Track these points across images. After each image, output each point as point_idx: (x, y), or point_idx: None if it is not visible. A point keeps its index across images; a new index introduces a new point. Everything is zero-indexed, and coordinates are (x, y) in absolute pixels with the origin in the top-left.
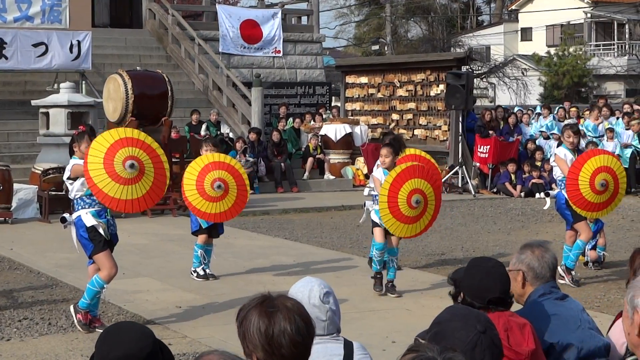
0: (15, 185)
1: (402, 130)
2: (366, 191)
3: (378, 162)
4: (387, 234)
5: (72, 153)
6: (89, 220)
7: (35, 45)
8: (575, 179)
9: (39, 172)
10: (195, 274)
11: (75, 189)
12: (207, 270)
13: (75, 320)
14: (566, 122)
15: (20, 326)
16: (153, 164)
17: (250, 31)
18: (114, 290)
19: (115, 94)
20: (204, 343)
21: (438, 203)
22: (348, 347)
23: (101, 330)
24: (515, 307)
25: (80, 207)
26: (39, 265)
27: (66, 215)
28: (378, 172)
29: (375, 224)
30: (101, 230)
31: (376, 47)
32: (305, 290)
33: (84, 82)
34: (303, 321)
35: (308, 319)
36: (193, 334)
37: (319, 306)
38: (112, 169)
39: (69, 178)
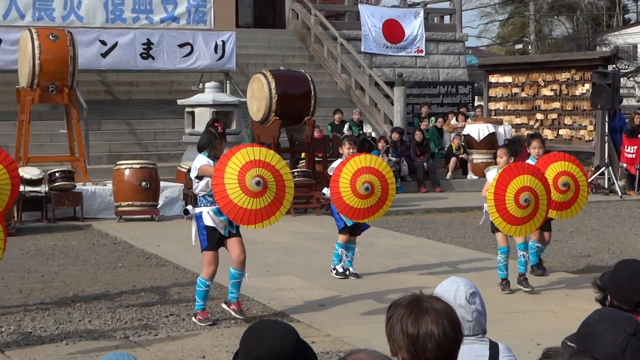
0: (162, 184)
1: (546, 131)
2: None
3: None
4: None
5: (201, 149)
6: (209, 220)
7: (181, 46)
8: None
9: (185, 170)
10: (334, 272)
11: (199, 187)
12: (351, 269)
13: (232, 312)
14: None
15: (167, 322)
16: (276, 186)
17: (393, 30)
18: (258, 287)
19: (259, 94)
20: (347, 342)
21: (549, 201)
22: (493, 348)
23: (203, 324)
24: None
25: (202, 204)
26: (185, 262)
27: (189, 207)
28: (490, 174)
29: (495, 227)
30: (220, 230)
31: (520, 46)
32: (452, 290)
33: (228, 81)
34: (451, 325)
35: (456, 324)
36: (336, 333)
37: (464, 306)
38: (243, 182)
39: (196, 177)
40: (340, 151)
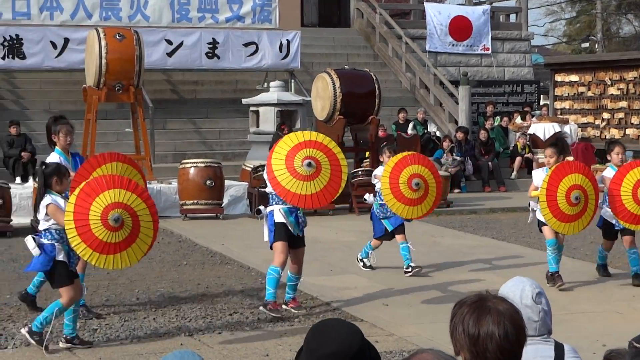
0: (227, 182)
1: (612, 130)
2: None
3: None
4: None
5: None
6: (279, 216)
7: (246, 45)
8: None
9: (249, 169)
10: (361, 263)
11: (269, 187)
12: (412, 265)
13: (292, 310)
14: None
15: (231, 320)
16: (330, 164)
17: (460, 27)
18: (321, 286)
19: (323, 93)
20: (411, 341)
21: (597, 200)
22: (559, 349)
23: (273, 314)
24: None
25: (274, 203)
26: (249, 260)
27: (261, 207)
28: (537, 174)
29: (541, 223)
30: (290, 228)
31: (586, 45)
32: (517, 290)
33: (292, 81)
34: (513, 327)
35: (520, 326)
36: (400, 332)
37: (531, 306)
38: (292, 166)
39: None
40: (381, 159)
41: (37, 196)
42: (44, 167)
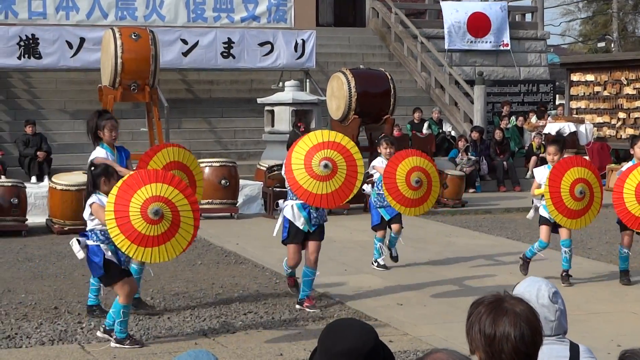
0: (241, 182)
1: (628, 130)
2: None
3: None
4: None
5: (288, 148)
6: (289, 212)
7: (261, 44)
8: None
9: (264, 168)
10: (375, 264)
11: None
12: (392, 251)
13: (307, 309)
14: None
15: (245, 319)
16: (346, 165)
17: (479, 23)
18: (336, 286)
19: (338, 92)
20: (425, 341)
21: (602, 191)
22: (574, 349)
23: (313, 310)
24: None
25: (290, 198)
26: (263, 260)
27: (280, 201)
28: (540, 170)
29: (543, 220)
30: (299, 224)
31: (602, 44)
32: (533, 290)
33: (308, 80)
34: (529, 329)
35: (536, 328)
36: (414, 332)
37: (548, 306)
38: (310, 165)
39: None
40: (379, 150)
41: (85, 196)
42: (92, 168)
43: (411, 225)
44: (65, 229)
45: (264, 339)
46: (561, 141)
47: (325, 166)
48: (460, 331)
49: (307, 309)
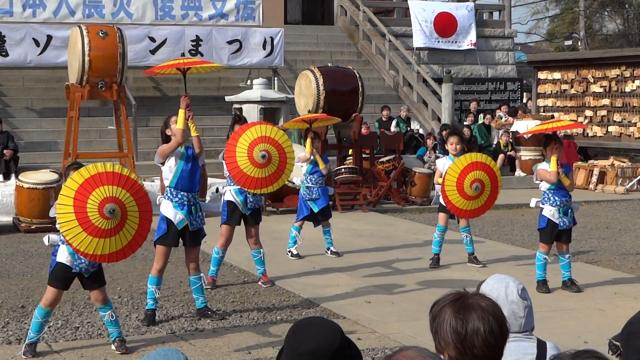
0: (209, 180)
1: (595, 127)
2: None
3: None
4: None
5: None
6: (229, 195)
7: (230, 42)
8: None
9: None
10: (289, 254)
11: (225, 170)
12: (332, 248)
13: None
14: None
15: (213, 318)
16: (279, 157)
17: (445, 23)
18: (304, 284)
19: (306, 90)
20: (393, 338)
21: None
22: (541, 346)
23: (267, 285)
24: None
25: (228, 184)
26: (231, 258)
27: (219, 186)
28: (442, 161)
29: (441, 208)
30: (239, 207)
31: (569, 43)
32: (501, 287)
33: (276, 78)
34: (497, 322)
35: (502, 321)
36: (382, 329)
37: (517, 302)
38: (252, 155)
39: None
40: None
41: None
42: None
43: (379, 223)
44: (32, 227)
45: (231, 337)
46: (459, 133)
47: (263, 157)
48: (429, 328)
49: (262, 285)
